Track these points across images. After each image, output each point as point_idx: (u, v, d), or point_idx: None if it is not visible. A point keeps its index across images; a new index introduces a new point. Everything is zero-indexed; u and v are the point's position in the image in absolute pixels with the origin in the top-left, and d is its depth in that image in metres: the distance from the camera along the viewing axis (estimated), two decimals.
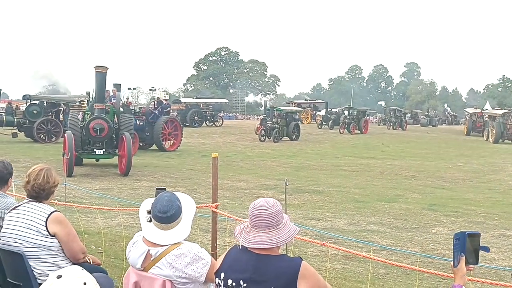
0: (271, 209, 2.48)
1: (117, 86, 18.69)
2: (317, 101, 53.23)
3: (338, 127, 36.00)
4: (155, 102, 22.88)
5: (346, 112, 38.38)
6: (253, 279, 2.43)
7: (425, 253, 6.52)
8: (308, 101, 53.64)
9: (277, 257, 2.48)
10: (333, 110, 45.32)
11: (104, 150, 13.88)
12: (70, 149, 12.75)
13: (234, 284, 2.48)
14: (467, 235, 2.25)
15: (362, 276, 5.53)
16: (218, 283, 2.56)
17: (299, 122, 43.92)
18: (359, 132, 35.97)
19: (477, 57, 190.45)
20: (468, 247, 2.24)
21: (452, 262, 2.29)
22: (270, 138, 27.81)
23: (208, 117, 40.39)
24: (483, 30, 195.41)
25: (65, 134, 13.56)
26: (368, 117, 57.05)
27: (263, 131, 28.33)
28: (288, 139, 29.17)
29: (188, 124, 37.75)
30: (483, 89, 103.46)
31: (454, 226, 8.49)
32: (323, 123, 39.50)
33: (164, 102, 23.56)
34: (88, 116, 14.39)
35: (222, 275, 2.54)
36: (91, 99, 17.85)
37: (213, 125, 39.89)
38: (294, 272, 2.39)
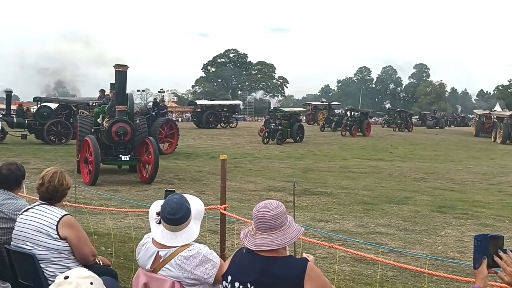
0: (274, 210, 2.50)
1: (114, 86, 17.92)
2: (333, 102, 53.18)
3: (340, 129, 35.64)
4: (152, 103, 22.64)
5: (348, 114, 37.81)
6: (260, 281, 2.44)
7: (434, 255, 6.48)
8: (324, 103, 53.51)
9: (283, 259, 2.49)
10: (336, 111, 44.83)
11: (129, 155, 12.90)
12: (96, 155, 11.84)
13: (241, 287, 2.50)
14: (489, 237, 2.23)
15: (371, 279, 5.52)
16: (226, 286, 2.58)
17: (316, 123, 44.02)
18: (362, 134, 35.53)
19: (487, 58, 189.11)
20: (489, 250, 2.22)
21: (473, 264, 2.27)
22: (273, 140, 27.64)
23: (223, 119, 40.89)
24: (493, 31, 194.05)
25: (87, 138, 12.60)
26: (374, 118, 56.68)
27: (266, 133, 28.14)
28: (292, 140, 29.02)
29: (203, 126, 38.43)
30: (493, 91, 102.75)
31: (463, 229, 8.45)
32: (325, 125, 39.26)
33: (161, 103, 23.47)
34: (106, 119, 13.24)
35: (229, 278, 2.56)
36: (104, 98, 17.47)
37: (228, 127, 40.49)
38: (300, 274, 2.40)
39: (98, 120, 13.67)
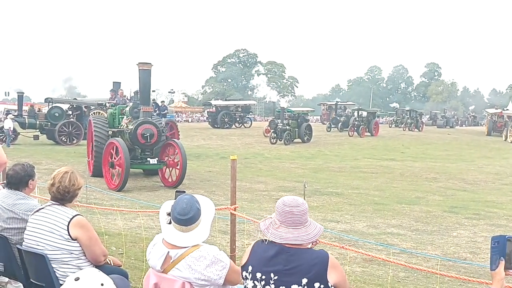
0: (302, 206, 2.54)
1: (117, 85, 16.78)
2: (347, 103, 53.03)
3: (347, 129, 35.28)
4: (152, 104, 22.50)
5: (355, 114, 37.34)
6: (285, 271, 2.46)
7: (446, 256, 6.43)
8: (340, 103, 53.43)
9: (305, 250, 2.52)
10: (350, 111, 44.46)
11: (157, 158, 12.29)
12: (126, 159, 11.16)
13: (264, 277, 2.50)
14: (506, 239, 2.19)
15: (382, 279, 5.48)
16: (245, 276, 2.58)
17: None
18: (370, 134, 35.20)
19: (499, 56, 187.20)
20: (507, 251, 2.18)
21: (490, 266, 2.24)
22: (281, 140, 27.51)
23: (237, 119, 41.23)
24: (505, 29, 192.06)
25: (114, 141, 11.85)
26: (386, 118, 56.23)
27: (273, 133, 27.98)
28: (300, 141, 28.86)
29: (218, 126, 38.87)
30: (506, 89, 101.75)
31: (475, 229, 8.37)
32: (332, 125, 38.96)
33: (160, 104, 23.33)
34: (128, 121, 12.54)
35: (250, 268, 2.56)
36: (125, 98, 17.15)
37: (242, 126, 40.91)
38: (324, 263, 2.44)
39: (125, 121, 12.85)
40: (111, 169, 11.97)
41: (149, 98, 12.61)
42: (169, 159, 12.60)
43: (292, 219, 2.50)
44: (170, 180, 12.61)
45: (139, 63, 12.13)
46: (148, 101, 12.48)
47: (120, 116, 13.45)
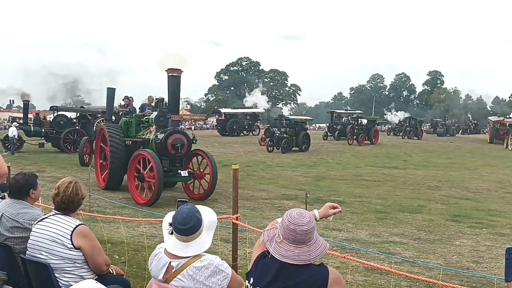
0: (306, 226, 2.46)
1: (111, 91, 16.71)
2: (356, 111, 53.08)
3: (345, 138, 34.83)
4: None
5: (353, 122, 36.97)
6: None
7: (448, 265, 6.42)
8: (348, 111, 53.32)
9: (305, 267, 2.48)
10: (358, 119, 44.14)
11: (187, 170, 11.67)
12: (159, 173, 10.48)
13: None
14: None
15: None
16: (247, 285, 2.59)
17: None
18: (369, 142, 34.95)
19: (502, 64, 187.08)
20: None
21: (505, 277, 2.25)
22: (278, 148, 27.44)
23: (246, 127, 41.61)
24: (508, 37, 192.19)
25: (143, 152, 11.15)
26: (388, 126, 56.22)
27: (270, 141, 27.83)
28: (298, 149, 28.68)
29: (227, 134, 39.31)
30: (509, 97, 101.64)
31: (478, 238, 8.35)
32: (329, 134, 38.72)
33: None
34: (151, 130, 12.07)
35: (252, 280, 2.56)
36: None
37: (251, 134, 41.55)
38: (324, 280, 2.41)
39: (152, 131, 12.09)
40: (139, 182, 11.23)
41: (178, 106, 12.08)
42: (197, 170, 12.10)
43: (294, 237, 2.45)
44: (197, 192, 12.09)
45: (168, 69, 11.52)
46: (177, 110, 11.94)
47: (141, 125, 12.78)
